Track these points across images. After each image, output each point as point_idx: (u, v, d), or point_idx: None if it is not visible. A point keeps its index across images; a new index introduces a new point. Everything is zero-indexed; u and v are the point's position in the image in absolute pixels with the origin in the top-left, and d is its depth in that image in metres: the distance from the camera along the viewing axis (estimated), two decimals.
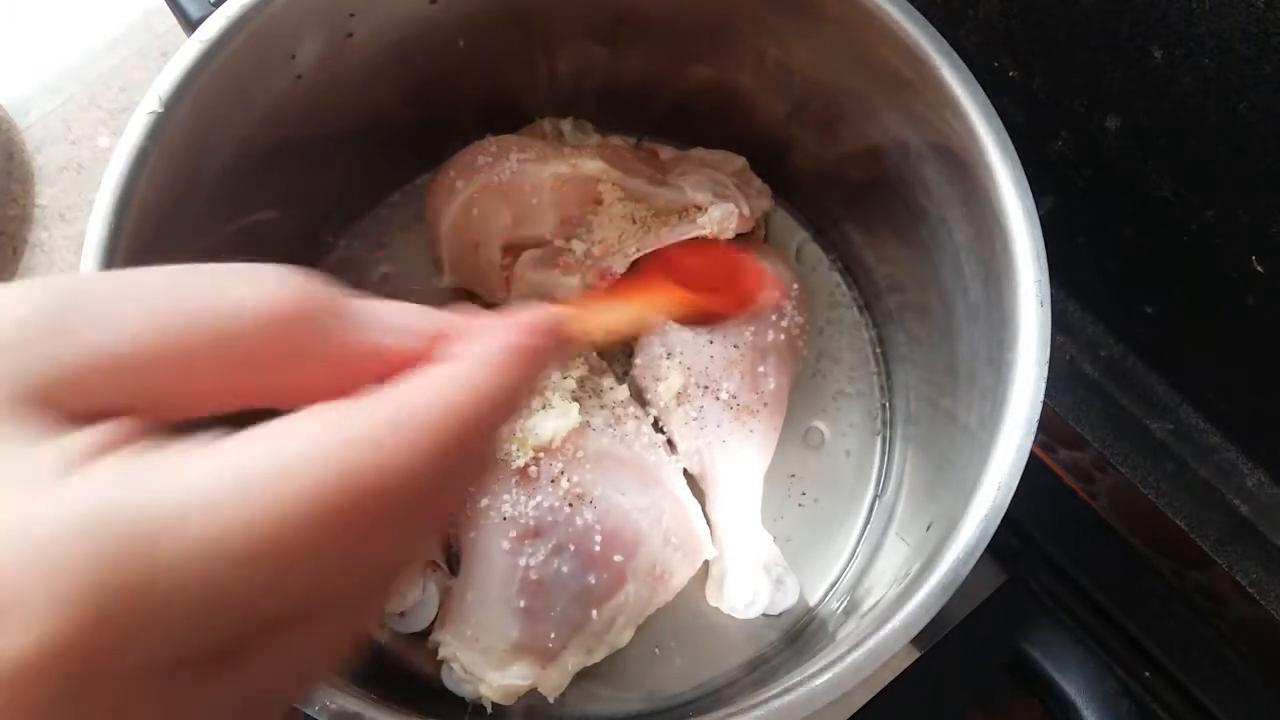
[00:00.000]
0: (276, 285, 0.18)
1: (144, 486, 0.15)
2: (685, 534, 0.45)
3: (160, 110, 0.36)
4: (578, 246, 0.47)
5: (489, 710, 0.42)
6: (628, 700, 0.45)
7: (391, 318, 0.19)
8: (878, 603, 0.39)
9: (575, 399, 0.44)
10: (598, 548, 0.42)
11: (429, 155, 0.51)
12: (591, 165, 0.47)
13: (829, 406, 0.51)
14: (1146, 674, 0.47)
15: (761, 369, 0.47)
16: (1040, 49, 0.43)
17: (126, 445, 0.16)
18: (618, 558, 0.42)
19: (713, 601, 0.46)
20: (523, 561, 0.42)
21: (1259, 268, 0.40)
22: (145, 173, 0.36)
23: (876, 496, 0.50)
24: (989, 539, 0.34)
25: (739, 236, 0.47)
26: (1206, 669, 0.47)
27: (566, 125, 0.52)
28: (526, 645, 0.41)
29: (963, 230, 0.41)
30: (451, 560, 0.45)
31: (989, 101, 0.38)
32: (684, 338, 0.47)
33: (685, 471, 0.47)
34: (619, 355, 0.50)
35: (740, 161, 0.51)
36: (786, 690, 0.32)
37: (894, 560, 0.45)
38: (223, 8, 0.37)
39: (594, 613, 0.42)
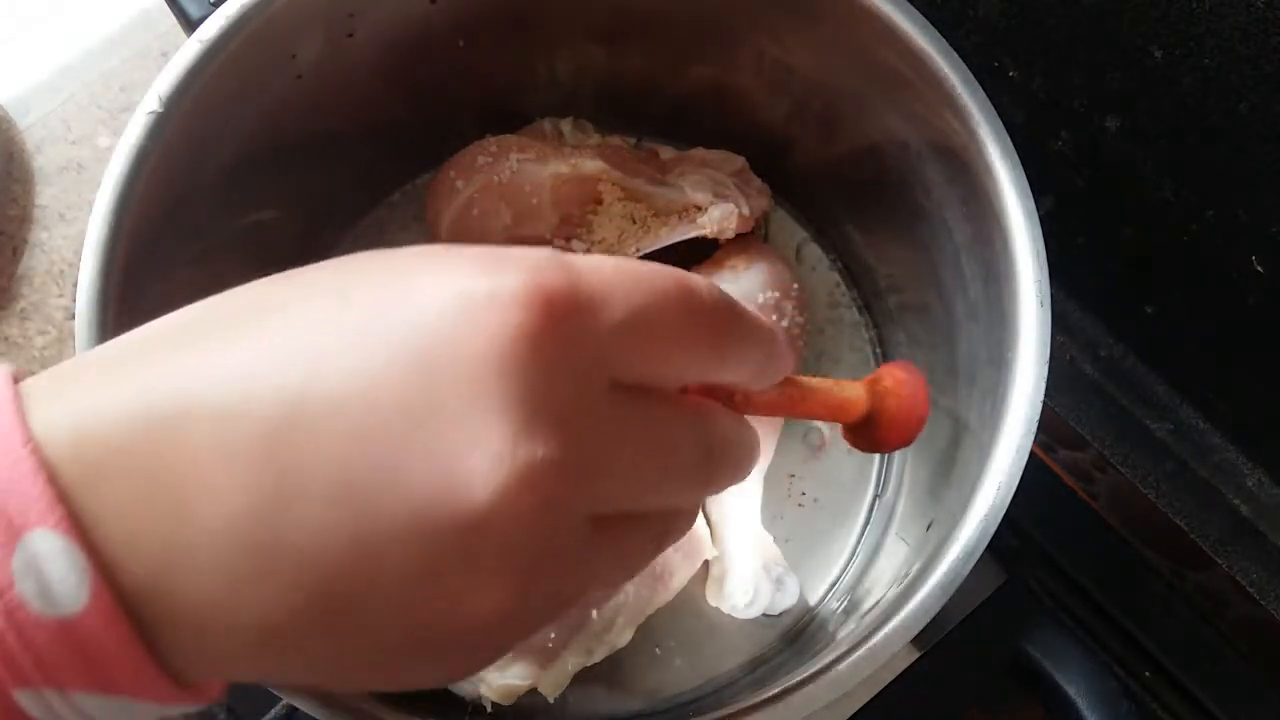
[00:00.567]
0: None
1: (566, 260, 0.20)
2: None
3: (160, 110, 0.36)
4: (578, 246, 0.47)
5: (489, 710, 0.42)
6: (627, 700, 0.45)
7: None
8: (878, 603, 0.39)
9: None
10: None
11: (429, 155, 0.51)
12: (591, 165, 0.47)
13: None
14: (1146, 674, 0.47)
15: None
16: (1040, 49, 0.43)
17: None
18: None
19: (713, 601, 0.46)
20: None
21: (1259, 268, 0.40)
22: (145, 173, 0.36)
23: (876, 496, 0.50)
24: (989, 539, 0.34)
25: (739, 236, 0.47)
26: (1206, 669, 0.47)
27: (566, 125, 0.52)
28: (526, 645, 0.41)
29: (963, 230, 0.41)
30: None
31: (989, 101, 0.38)
32: None
33: None
34: None
35: (740, 161, 0.51)
36: (786, 690, 0.32)
37: (894, 560, 0.45)
38: (223, 8, 0.37)
39: (594, 613, 0.42)
